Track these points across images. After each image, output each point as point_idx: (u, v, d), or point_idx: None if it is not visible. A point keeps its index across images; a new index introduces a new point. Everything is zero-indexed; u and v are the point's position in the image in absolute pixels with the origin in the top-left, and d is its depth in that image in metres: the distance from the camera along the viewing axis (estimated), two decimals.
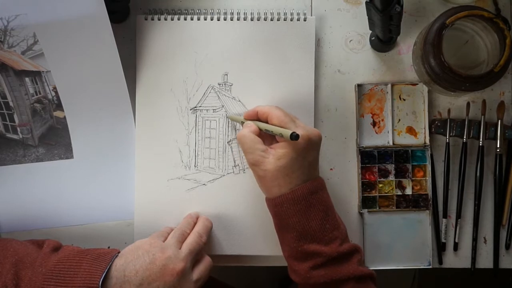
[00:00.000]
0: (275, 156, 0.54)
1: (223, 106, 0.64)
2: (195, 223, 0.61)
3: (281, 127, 0.55)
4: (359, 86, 0.65)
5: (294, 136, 0.51)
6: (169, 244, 0.54)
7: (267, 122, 0.57)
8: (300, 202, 0.54)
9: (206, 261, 0.57)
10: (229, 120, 0.64)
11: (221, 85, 0.64)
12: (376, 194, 0.64)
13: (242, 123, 0.60)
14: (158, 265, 0.51)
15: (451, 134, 0.64)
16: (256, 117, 0.59)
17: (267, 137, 0.58)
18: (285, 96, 0.64)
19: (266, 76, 0.64)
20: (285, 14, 0.64)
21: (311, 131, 0.56)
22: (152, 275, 0.50)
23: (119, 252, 0.53)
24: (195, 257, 0.56)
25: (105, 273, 0.49)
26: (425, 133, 0.64)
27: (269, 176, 0.55)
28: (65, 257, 0.51)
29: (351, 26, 0.66)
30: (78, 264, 0.50)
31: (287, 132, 0.52)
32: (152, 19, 0.64)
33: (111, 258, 0.51)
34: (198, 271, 0.55)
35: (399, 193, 0.64)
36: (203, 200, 0.64)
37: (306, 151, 0.55)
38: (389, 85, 0.64)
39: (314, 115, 0.64)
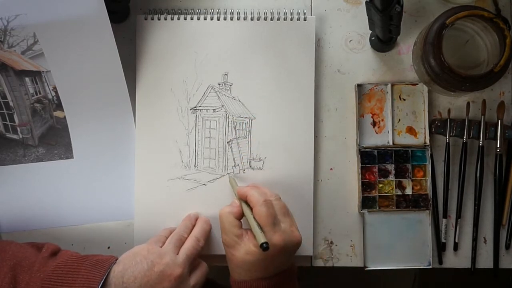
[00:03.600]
0: (244, 248, 0.54)
1: (223, 106, 0.64)
2: (193, 226, 0.61)
3: (261, 225, 0.53)
4: (359, 86, 0.65)
5: (264, 248, 0.50)
6: (166, 250, 0.54)
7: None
8: None
9: (203, 267, 0.57)
10: (229, 121, 0.64)
11: (221, 85, 0.64)
12: (376, 194, 0.64)
13: (235, 194, 0.59)
14: (156, 271, 0.51)
15: (451, 134, 0.64)
16: (246, 199, 0.57)
17: None
18: (285, 96, 0.64)
19: (266, 76, 0.64)
20: (285, 14, 0.64)
21: (289, 239, 0.54)
22: (150, 281, 0.51)
23: (117, 259, 0.53)
24: (193, 262, 0.56)
25: (103, 280, 0.49)
26: (425, 133, 0.64)
27: (234, 262, 0.55)
28: (63, 262, 0.51)
29: (351, 26, 0.66)
30: (77, 270, 0.50)
31: (259, 240, 0.51)
32: (152, 19, 0.64)
33: (109, 265, 0.51)
34: (195, 277, 0.55)
35: (399, 193, 0.64)
36: (203, 200, 0.64)
37: (277, 256, 0.54)
38: (389, 85, 0.64)
39: (314, 115, 0.64)
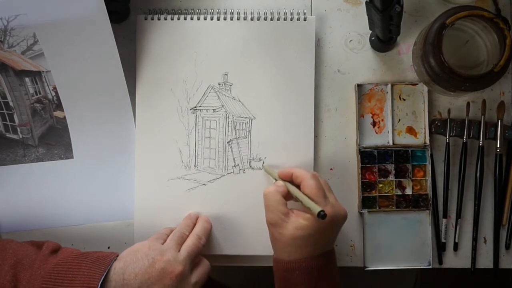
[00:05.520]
0: (294, 225, 0.53)
1: (223, 106, 0.64)
2: (194, 224, 0.61)
3: (311, 198, 0.53)
4: (359, 86, 0.65)
5: (322, 216, 0.50)
6: (168, 247, 0.54)
7: (299, 186, 0.56)
8: (312, 273, 0.53)
9: (205, 264, 0.57)
10: (229, 121, 0.64)
11: (221, 85, 0.64)
12: (376, 194, 0.64)
13: (275, 179, 0.59)
14: (157, 268, 0.51)
15: (451, 134, 0.64)
16: (290, 178, 0.57)
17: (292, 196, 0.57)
18: (285, 96, 0.64)
19: (266, 76, 0.64)
20: (285, 14, 0.64)
21: (338, 210, 0.55)
22: (151, 278, 0.51)
23: (117, 256, 0.53)
24: (194, 259, 0.56)
25: (104, 276, 0.49)
26: (425, 133, 0.64)
27: (282, 241, 0.54)
28: (64, 259, 0.51)
29: (351, 26, 0.66)
30: (77, 267, 0.50)
31: (315, 209, 0.50)
32: (152, 19, 0.64)
33: (110, 261, 0.51)
34: (197, 274, 0.55)
35: (399, 193, 0.64)
36: (203, 200, 0.64)
37: (326, 230, 0.54)
38: (389, 85, 0.64)
39: (314, 115, 0.64)
